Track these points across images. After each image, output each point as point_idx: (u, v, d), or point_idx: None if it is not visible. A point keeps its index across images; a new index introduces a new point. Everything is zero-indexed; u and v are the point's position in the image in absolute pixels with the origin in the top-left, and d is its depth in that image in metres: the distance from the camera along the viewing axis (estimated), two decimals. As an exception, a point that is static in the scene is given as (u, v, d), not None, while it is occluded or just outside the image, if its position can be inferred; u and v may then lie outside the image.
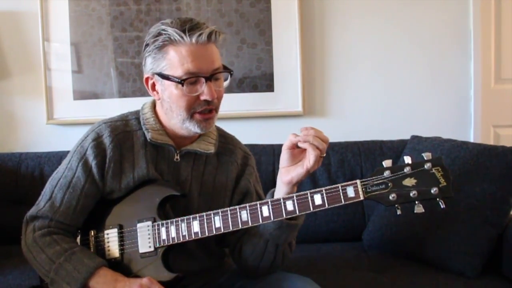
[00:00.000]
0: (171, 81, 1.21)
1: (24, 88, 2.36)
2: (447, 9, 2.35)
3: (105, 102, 2.33)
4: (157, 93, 1.28)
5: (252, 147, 2.08)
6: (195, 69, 1.20)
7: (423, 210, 1.10)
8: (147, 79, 1.29)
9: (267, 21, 2.33)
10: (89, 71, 2.34)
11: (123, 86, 2.34)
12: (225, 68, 1.27)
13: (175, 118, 1.26)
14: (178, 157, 1.32)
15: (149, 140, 1.29)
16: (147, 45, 1.25)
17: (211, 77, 1.21)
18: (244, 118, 2.35)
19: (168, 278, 1.22)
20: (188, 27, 1.19)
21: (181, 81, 1.20)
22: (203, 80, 1.21)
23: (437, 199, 1.10)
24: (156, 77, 1.25)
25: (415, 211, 1.11)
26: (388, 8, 2.36)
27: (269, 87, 2.35)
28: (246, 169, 1.42)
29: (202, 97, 1.22)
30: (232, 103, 2.34)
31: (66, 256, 1.20)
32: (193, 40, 1.18)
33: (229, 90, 2.33)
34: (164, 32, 1.20)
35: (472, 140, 2.33)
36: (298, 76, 2.34)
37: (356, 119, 2.39)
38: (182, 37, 1.18)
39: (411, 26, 2.36)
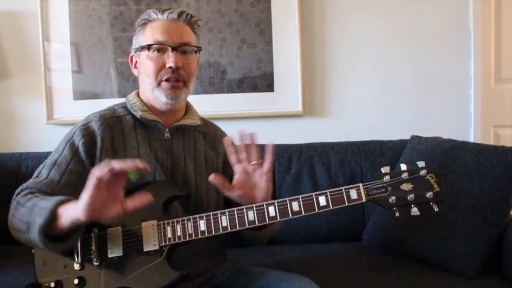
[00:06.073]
0: (142, 49, 1.36)
1: (24, 88, 2.36)
2: (447, 9, 2.36)
3: (105, 102, 2.29)
4: (137, 69, 1.42)
5: (252, 147, 2.09)
6: (162, 38, 1.34)
7: (419, 213, 1.19)
8: (131, 57, 1.44)
9: (267, 21, 2.33)
10: (89, 71, 2.34)
11: (123, 86, 2.34)
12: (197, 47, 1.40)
13: (147, 89, 1.37)
14: (168, 134, 1.39)
15: (139, 117, 1.37)
16: (135, 30, 1.42)
17: (177, 48, 1.34)
18: (244, 118, 2.35)
19: (173, 276, 1.22)
20: (165, 8, 1.38)
21: (147, 46, 1.34)
22: (169, 49, 1.34)
23: (431, 203, 1.19)
24: (136, 53, 1.40)
25: (411, 214, 1.20)
26: (388, 8, 2.36)
27: (269, 87, 2.35)
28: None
29: (167, 64, 1.33)
30: (232, 103, 2.34)
31: (41, 197, 1.21)
32: (165, 16, 1.36)
33: (229, 90, 2.34)
34: (146, 13, 1.40)
35: (472, 140, 2.33)
36: (298, 76, 2.34)
37: (356, 119, 2.39)
38: (156, 14, 1.37)
39: (411, 26, 2.36)
